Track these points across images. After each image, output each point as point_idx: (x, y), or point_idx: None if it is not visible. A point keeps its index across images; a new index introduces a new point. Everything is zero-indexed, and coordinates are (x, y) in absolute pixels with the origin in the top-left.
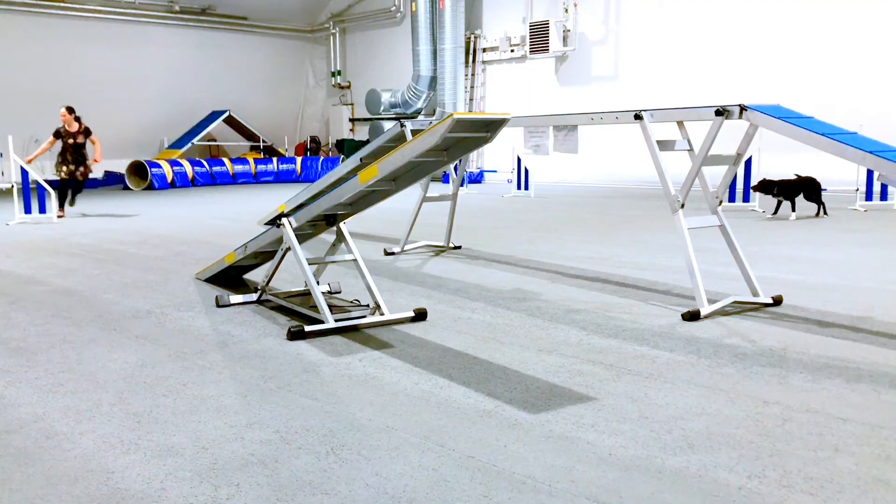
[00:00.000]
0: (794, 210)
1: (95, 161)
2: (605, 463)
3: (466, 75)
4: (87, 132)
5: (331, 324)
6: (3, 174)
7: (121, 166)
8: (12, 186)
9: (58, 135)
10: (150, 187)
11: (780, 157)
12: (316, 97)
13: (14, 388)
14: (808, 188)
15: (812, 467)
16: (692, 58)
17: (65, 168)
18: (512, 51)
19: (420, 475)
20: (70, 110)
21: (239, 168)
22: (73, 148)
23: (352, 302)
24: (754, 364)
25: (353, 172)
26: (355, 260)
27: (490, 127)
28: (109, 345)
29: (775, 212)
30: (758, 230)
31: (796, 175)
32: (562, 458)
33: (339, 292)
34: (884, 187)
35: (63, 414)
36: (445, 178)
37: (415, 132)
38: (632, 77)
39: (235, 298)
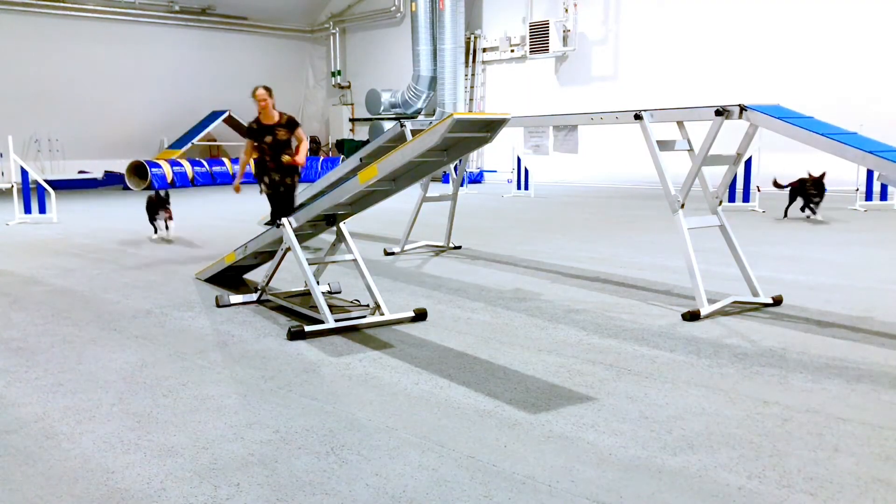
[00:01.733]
0: (813, 213)
1: (294, 163)
2: (605, 463)
3: (466, 75)
4: (290, 124)
5: (331, 324)
6: (2, 174)
7: (121, 166)
8: (12, 186)
9: (252, 133)
10: (151, 187)
11: (780, 157)
12: (316, 97)
13: (14, 388)
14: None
15: (812, 467)
16: (692, 58)
17: (266, 179)
18: (512, 51)
19: (420, 475)
20: (269, 91)
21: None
22: (271, 148)
23: (352, 302)
24: (754, 364)
25: (353, 172)
26: (355, 260)
27: (490, 127)
28: (109, 345)
29: (785, 214)
30: (758, 230)
31: (809, 174)
32: (562, 458)
33: (339, 292)
34: (884, 187)
35: (63, 414)
36: (445, 178)
37: (415, 132)
38: (631, 77)
39: (235, 298)
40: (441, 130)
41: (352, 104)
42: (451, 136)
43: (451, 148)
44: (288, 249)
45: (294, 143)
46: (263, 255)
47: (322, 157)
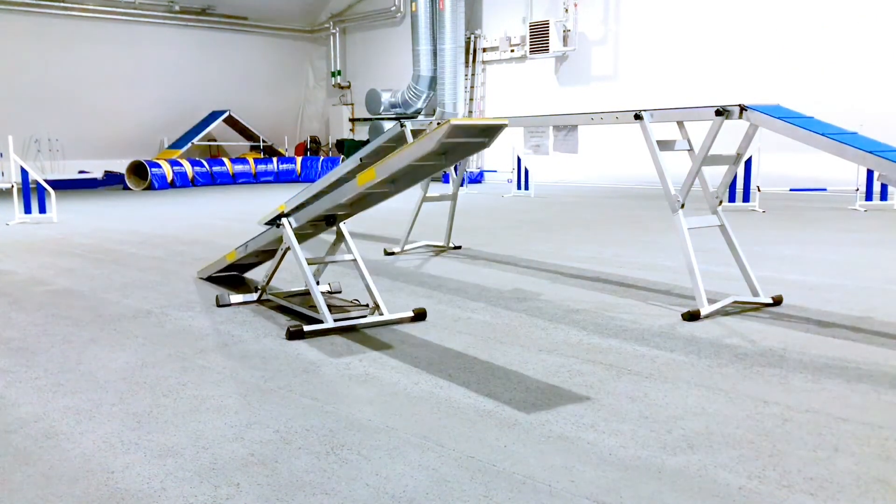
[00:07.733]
0: None
1: None
2: (605, 463)
3: (466, 75)
4: None
5: (330, 324)
6: (3, 174)
7: (121, 166)
8: (12, 186)
9: None
10: (150, 187)
11: (780, 157)
12: (316, 97)
13: (14, 388)
14: None
15: (812, 467)
16: (692, 58)
17: None
18: (512, 51)
19: (420, 475)
20: None
21: (239, 168)
22: None
23: (351, 302)
24: (754, 364)
25: (352, 174)
26: (355, 260)
27: (487, 132)
28: (109, 345)
29: None
30: (758, 230)
31: None
32: (562, 458)
33: (339, 292)
34: (884, 187)
35: (63, 414)
36: (445, 178)
37: (415, 132)
38: (631, 77)
39: (235, 298)
40: (438, 136)
41: (352, 104)
42: (448, 142)
43: (449, 152)
44: (288, 249)
45: None
46: (264, 254)
47: (322, 157)
